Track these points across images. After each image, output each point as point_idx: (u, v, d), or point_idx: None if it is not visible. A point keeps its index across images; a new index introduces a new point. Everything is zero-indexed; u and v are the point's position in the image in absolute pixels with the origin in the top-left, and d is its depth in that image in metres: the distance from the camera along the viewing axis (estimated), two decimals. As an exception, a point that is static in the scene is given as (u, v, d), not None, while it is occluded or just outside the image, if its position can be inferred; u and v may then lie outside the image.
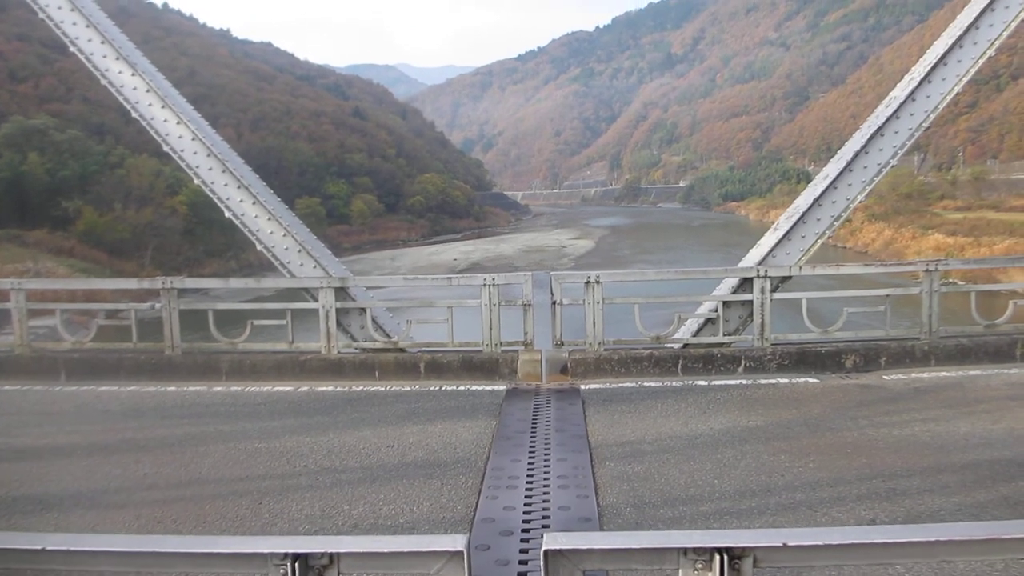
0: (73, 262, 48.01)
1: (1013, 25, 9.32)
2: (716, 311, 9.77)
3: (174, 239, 58.01)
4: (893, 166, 9.77)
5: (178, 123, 10.14)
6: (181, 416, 8.33)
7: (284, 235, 10.16)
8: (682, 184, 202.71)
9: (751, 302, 9.56)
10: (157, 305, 10.22)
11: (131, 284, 12.10)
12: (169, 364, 10.02)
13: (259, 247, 10.23)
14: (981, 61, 9.34)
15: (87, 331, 10.63)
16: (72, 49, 10.13)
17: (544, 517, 5.25)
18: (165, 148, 10.23)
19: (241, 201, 10.16)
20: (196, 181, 10.27)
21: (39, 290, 12.34)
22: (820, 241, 9.75)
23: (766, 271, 9.50)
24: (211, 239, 57.76)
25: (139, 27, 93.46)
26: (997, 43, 9.36)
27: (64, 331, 10.54)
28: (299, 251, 10.17)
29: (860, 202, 9.86)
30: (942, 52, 9.38)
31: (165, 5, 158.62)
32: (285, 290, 10.59)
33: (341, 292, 9.97)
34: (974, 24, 9.33)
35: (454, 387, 9.19)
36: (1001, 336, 9.61)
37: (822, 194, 9.68)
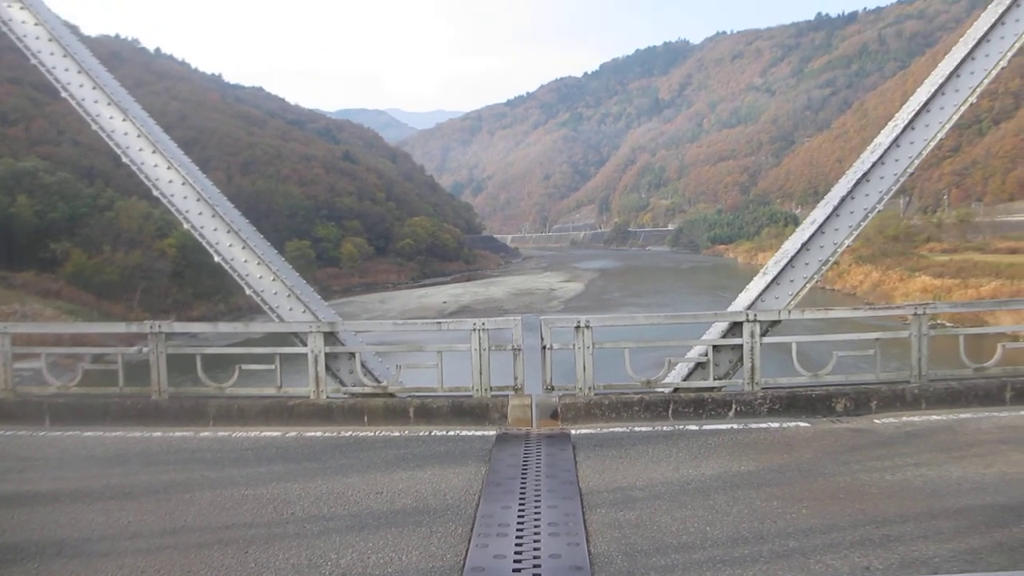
0: (60, 304, 47.77)
1: (994, 73, 9.49)
2: (706, 355, 9.76)
3: (163, 281, 57.90)
4: (879, 211, 9.86)
5: (168, 168, 10.16)
6: (167, 462, 8.22)
7: (273, 279, 10.14)
8: (671, 227, 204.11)
9: (741, 346, 9.56)
10: (144, 349, 10.15)
11: (119, 328, 12.01)
12: (156, 409, 9.91)
13: (248, 292, 10.20)
14: (963, 108, 9.48)
15: (73, 374, 10.52)
16: (64, 94, 10.16)
17: (535, 566, 5.18)
18: (155, 193, 10.23)
19: (231, 246, 10.15)
20: (185, 226, 10.26)
21: (25, 334, 12.24)
22: (809, 285, 9.79)
23: (755, 315, 9.52)
24: (200, 282, 57.61)
25: (132, 72, 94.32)
26: (979, 90, 9.52)
27: (50, 375, 10.43)
28: (288, 295, 10.14)
29: (847, 246, 9.92)
30: (925, 99, 9.52)
31: (158, 50, 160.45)
32: (274, 334, 10.52)
33: (330, 337, 9.93)
34: (955, 72, 9.49)
35: (444, 432, 9.12)
36: (990, 379, 9.63)
37: (810, 239, 9.74)
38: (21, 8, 10.11)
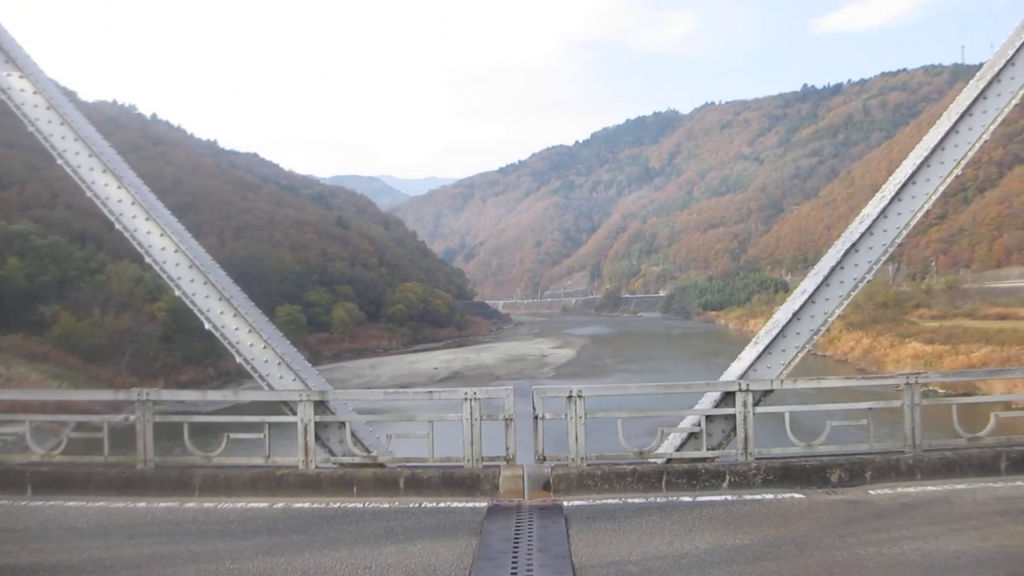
0: (47, 368, 47.29)
1: (978, 145, 9.65)
2: (699, 425, 9.69)
3: (152, 345, 57.51)
4: (869, 280, 9.92)
5: (161, 235, 10.19)
6: (150, 534, 8.04)
7: (264, 347, 10.08)
8: (662, 293, 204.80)
9: (734, 416, 9.51)
10: (131, 417, 10.02)
11: (106, 396, 11.87)
12: (140, 478, 9.74)
13: (238, 359, 10.13)
14: (949, 180, 9.63)
15: (57, 439, 10.35)
16: (59, 161, 10.23)
17: (527, 645, 5.05)
18: (147, 260, 10.24)
19: (222, 313, 10.11)
20: (177, 292, 10.24)
21: (9, 400, 12.11)
22: (800, 355, 9.79)
23: (747, 385, 9.49)
24: (190, 346, 57.25)
25: (128, 137, 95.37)
26: (963, 162, 9.67)
27: (33, 442, 10.26)
28: (279, 363, 10.07)
29: (838, 315, 9.95)
30: (911, 171, 9.67)
31: (154, 116, 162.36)
32: (263, 402, 10.42)
33: (320, 406, 9.83)
34: (940, 145, 9.66)
35: (434, 504, 8.97)
36: (985, 449, 9.58)
37: (800, 308, 9.77)
38: (20, 77, 10.25)
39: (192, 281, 10.19)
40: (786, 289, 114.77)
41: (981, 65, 10.01)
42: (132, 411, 10.01)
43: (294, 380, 10.06)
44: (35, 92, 10.24)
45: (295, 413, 9.73)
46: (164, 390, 10.57)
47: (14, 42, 10.39)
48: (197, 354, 58.04)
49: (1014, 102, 9.58)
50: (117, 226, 10.26)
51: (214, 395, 11.32)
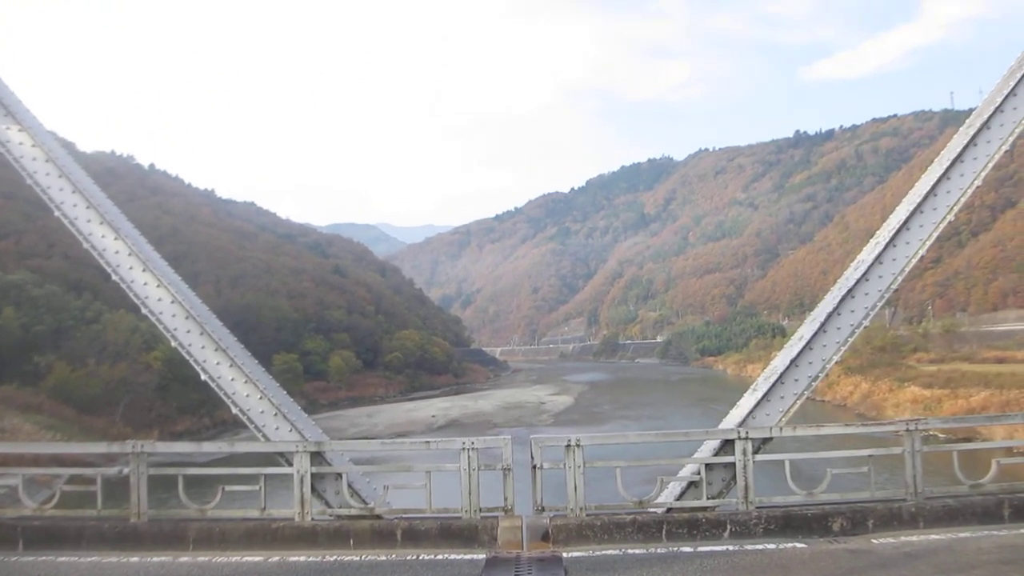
0: (40, 418, 46.88)
1: (969, 191, 9.75)
2: (699, 474, 9.61)
3: (147, 395, 57.12)
4: (866, 326, 9.92)
5: (158, 286, 10.20)
6: (143, 591, 7.91)
7: (260, 398, 10.02)
8: (659, 339, 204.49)
9: (734, 464, 9.43)
10: (125, 470, 9.91)
11: (100, 448, 11.77)
12: (134, 533, 9.61)
13: (234, 410, 10.06)
14: (942, 225, 9.70)
15: (50, 491, 10.23)
16: (57, 213, 10.28)
17: None
18: (144, 311, 10.23)
19: (218, 363, 10.08)
20: (173, 343, 10.21)
21: (2, 453, 11.99)
22: (799, 402, 9.75)
23: (747, 432, 9.43)
24: (185, 395, 56.86)
25: (125, 187, 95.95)
26: (956, 208, 9.75)
27: (25, 496, 10.13)
28: (275, 414, 10.01)
29: (836, 362, 9.93)
30: (904, 217, 9.74)
31: (152, 166, 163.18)
32: (259, 453, 10.32)
33: (317, 456, 9.75)
34: (932, 191, 9.74)
35: (432, 556, 8.85)
36: (987, 496, 9.49)
37: (798, 355, 9.76)
38: (20, 130, 10.34)
39: (188, 332, 10.17)
40: (783, 334, 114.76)
41: (970, 111, 10.15)
42: (126, 463, 9.91)
43: (290, 431, 9.99)
44: (34, 145, 10.33)
45: (291, 464, 9.64)
46: (159, 442, 10.49)
47: (13, 96, 10.51)
48: (193, 404, 57.65)
49: (1004, 148, 9.69)
50: (114, 277, 10.27)
51: (209, 447, 11.22)
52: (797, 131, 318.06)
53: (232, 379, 10.05)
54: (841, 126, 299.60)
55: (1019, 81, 9.65)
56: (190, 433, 56.07)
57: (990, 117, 9.70)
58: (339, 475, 9.83)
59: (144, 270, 10.22)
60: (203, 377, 10.14)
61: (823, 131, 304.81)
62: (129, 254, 10.25)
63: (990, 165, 9.75)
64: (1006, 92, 9.65)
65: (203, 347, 10.13)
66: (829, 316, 9.78)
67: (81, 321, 60.64)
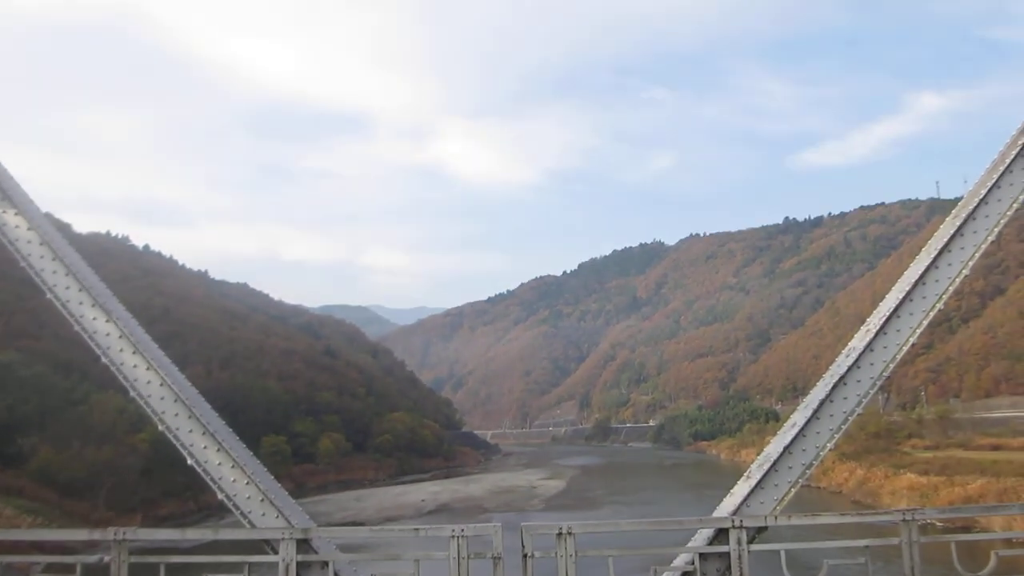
0: (22, 502, 46.01)
1: (958, 280, 9.85)
2: (692, 563, 9.40)
3: (131, 478, 56.17)
4: (859, 413, 9.89)
5: (147, 369, 10.13)
6: None
7: (247, 483, 9.85)
8: (652, 423, 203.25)
9: (728, 554, 9.25)
10: (106, 557, 9.66)
11: (80, 535, 11.49)
12: (112, 623, 9.30)
13: (220, 495, 9.87)
14: (932, 313, 9.76)
15: (27, 579, 9.92)
16: (49, 295, 10.28)
17: None
18: (132, 394, 10.13)
19: (205, 447, 9.94)
20: (160, 427, 10.08)
21: (-19, 539, 11.70)
22: (794, 489, 9.62)
23: (741, 521, 9.27)
24: (170, 478, 55.95)
25: (119, 268, 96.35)
26: (945, 296, 9.84)
27: (2, 585, 9.84)
28: (261, 500, 9.82)
29: (830, 449, 9.86)
30: (894, 305, 9.81)
31: (146, 247, 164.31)
32: (244, 541, 10.08)
33: (303, 544, 9.52)
34: (921, 279, 9.84)
35: (419, 649, 8.58)
36: (987, 589, 9.29)
37: (792, 442, 9.68)
38: (16, 214, 10.42)
39: (176, 415, 10.06)
40: (777, 419, 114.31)
41: (956, 200, 10.38)
42: (107, 550, 9.67)
43: (276, 517, 9.79)
44: (29, 228, 10.39)
45: (277, 552, 9.41)
46: (141, 528, 10.25)
47: (12, 180, 10.63)
48: (178, 487, 56.71)
49: (990, 239, 9.86)
50: (104, 359, 10.21)
51: (193, 533, 10.98)
52: (786, 217, 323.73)
53: (219, 464, 9.90)
54: (830, 213, 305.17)
55: (1002, 174, 9.88)
56: (174, 517, 55.01)
57: (975, 208, 9.89)
58: (325, 563, 9.59)
59: (134, 352, 10.17)
60: (189, 462, 9.99)
61: (812, 218, 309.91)
62: (120, 336, 10.21)
63: (977, 255, 9.89)
64: (990, 184, 9.88)
65: (191, 431, 10.01)
66: (822, 403, 9.75)
67: (68, 402, 60.08)
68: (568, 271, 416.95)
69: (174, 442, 10.01)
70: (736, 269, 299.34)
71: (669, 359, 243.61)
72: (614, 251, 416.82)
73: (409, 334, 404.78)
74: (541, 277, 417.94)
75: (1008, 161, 9.93)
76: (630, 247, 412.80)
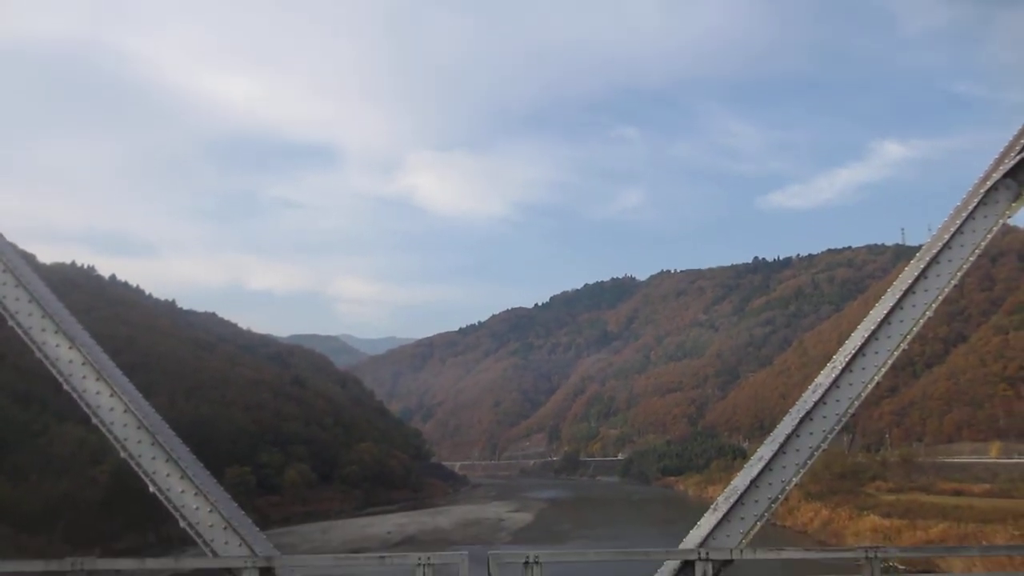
0: (-27, 541, 44.68)
1: (922, 321, 10.06)
2: (659, 596, 9.41)
3: (91, 511, 54.88)
4: (824, 449, 10.00)
5: (111, 395, 10.00)
6: None
7: (210, 511, 9.72)
8: (620, 456, 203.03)
9: (694, 587, 9.25)
10: (63, 588, 9.45)
11: (36, 566, 11.21)
12: (67, 655, 9.08)
13: (183, 523, 9.73)
14: (897, 353, 9.94)
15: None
16: (11, 323, 10.15)
17: None
18: (94, 420, 9.99)
19: (168, 475, 9.81)
20: (123, 454, 9.94)
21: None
22: (760, 523, 9.68)
23: (707, 554, 9.31)
24: (131, 510, 54.78)
25: (83, 298, 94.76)
26: (909, 336, 10.04)
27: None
28: (224, 528, 9.69)
29: (795, 483, 9.94)
30: (860, 344, 9.98)
31: (112, 277, 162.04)
32: (206, 570, 9.93)
33: (267, 572, 9.40)
34: (886, 319, 10.04)
35: None
36: (948, 626, 9.38)
37: (758, 475, 9.76)
38: (-23, 241, 10.31)
39: (140, 442, 9.93)
40: (744, 456, 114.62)
41: (921, 247, 10.62)
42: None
43: (240, 545, 9.66)
44: (-9, 256, 10.28)
45: (239, 582, 9.28)
46: (99, 559, 10.03)
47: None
48: (138, 519, 55.54)
49: (953, 282, 10.13)
50: (66, 387, 10.07)
51: (153, 563, 10.74)
52: (755, 257, 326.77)
53: (182, 491, 9.77)
54: (798, 254, 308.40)
55: (965, 220, 10.19)
56: (133, 551, 53.72)
57: (939, 252, 10.16)
58: (288, 593, 9.47)
59: (98, 379, 10.05)
60: (151, 489, 9.84)
61: (781, 258, 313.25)
62: (83, 363, 10.09)
63: (940, 298, 10.13)
64: (953, 230, 10.18)
65: (153, 457, 9.88)
66: (788, 438, 9.85)
67: (27, 434, 58.80)
68: (540, 304, 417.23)
69: (136, 469, 9.88)
70: (706, 306, 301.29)
71: (638, 393, 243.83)
72: (586, 285, 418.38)
73: (379, 364, 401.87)
74: (512, 309, 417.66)
75: (971, 208, 10.25)
76: (602, 281, 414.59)
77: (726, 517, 9.74)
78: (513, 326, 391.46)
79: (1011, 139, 10.25)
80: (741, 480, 9.99)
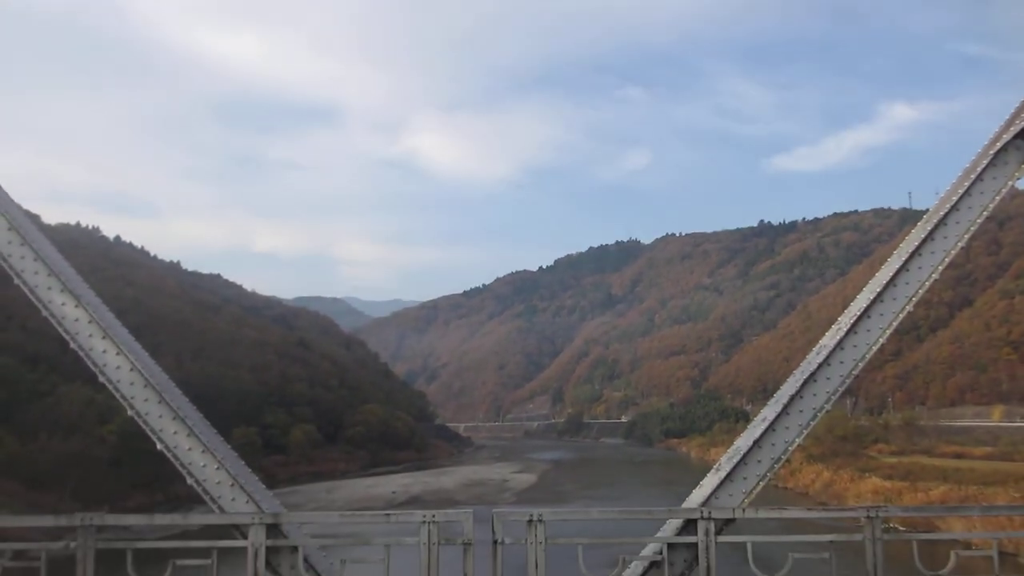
0: (-16, 495, 45.32)
1: (928, 283, 10.02)
2: (661, 553, 9.50)
3: (99, 470, 55.50)
4: (828, 410, 10.03)
5: (117, 353, 10.03)
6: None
7: (217, 468, 9.80)
8: (624, 419, 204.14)
9: (696, 545, 9.34)
10: (72, 544, 9.56)
11: (46, 521, 11.35)
12: (78, 608, 9.22)
13: (190, 480, 9.82)
14: (902, 315, 9.91)
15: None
16: (17, 281, 10.14)
17: None
18: (101, 379, 10.02)
19: (175, 433, 9.88)
20: (130, 412, 9.99)
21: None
22: (762, 483, 9.74)
23: (710, 513, 9.37)
24: (138, 470, 55.41)
25: (88, 259, 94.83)
26: (915, 299, 10.00)
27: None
28: (232, 485, 9.78)
29: (798, 444, 9.99)
30: (865, 305, 9.96)
31: (117, 238, 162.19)
32: (213, 526, 10.03)
33: (273, 529, 9.50)
34: (892, 281, 10.00)
35: (388, 635, 8.58)
36: (947, 586, 9.45)
37: (761, 436, 9.80)
38: (-17, 200, 10.29)
39: (146, 400, 9.99)
40: (747, 419, 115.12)
41: (927, 211, 10.55)
42: (73, 538, 9.57)
43: (247, 502, 9.75)
44: (-2, 214, 10.26)
45: (246, 537, 9.37)
46: (108, 514, 10.14)
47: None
48: (146, 478, 56.17)
49: (960, 245, 10.06)
50: (72, 345, 10.10)
51: (162, 519, 10.91)
52: (761, 221, 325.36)
53: (189, 449, 9.85)
54: (804, 218, 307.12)
55: (973, 182, 10.08)
56: (142, 508, 54.43)
57: (946, 215, 10.07)
58: (295, 548, 9.58)
59: (104, 337, 10.07)
60: (159, 447, 9.91)
61: (786, 222, 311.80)
62: (89, 321, 10.11)
63: (947, 260, 10.07)
64: (961, 192, 10.07)
65: (160, 416, 9.94)
66: (792, 399, 9.87)
67: (35, 394, 59.30)
68: (544, 267, 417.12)
69: (144, 427, 9.94)
70: (711, 270, 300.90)
71: (642, 356, 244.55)
72: (590, 248, 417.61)
73: (383, 326, 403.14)
74: (517, 272, 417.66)
75: (979, 170, 10.12)
76: (606, 244, 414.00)
77: (729, 477, 9.80)
78: (517, 289, 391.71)
79: (1022, 100, 10.11)
80: (744, 440, 10.04)
